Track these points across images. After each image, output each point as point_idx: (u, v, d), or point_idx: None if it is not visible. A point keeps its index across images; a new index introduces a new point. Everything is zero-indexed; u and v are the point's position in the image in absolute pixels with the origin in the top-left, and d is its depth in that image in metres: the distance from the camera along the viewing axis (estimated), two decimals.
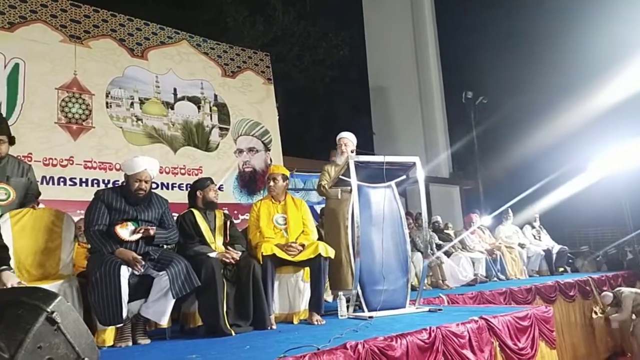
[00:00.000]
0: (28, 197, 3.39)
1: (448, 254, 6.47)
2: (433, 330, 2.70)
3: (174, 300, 2.93)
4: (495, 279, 6.71)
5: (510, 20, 15.16)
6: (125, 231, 2.93)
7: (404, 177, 4.11)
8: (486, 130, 11.89)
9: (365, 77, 16.68)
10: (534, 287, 5.75)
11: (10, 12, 6.32)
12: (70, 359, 1.42)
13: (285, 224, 3.75)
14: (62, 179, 6.24)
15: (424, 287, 4.78)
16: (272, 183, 3.85)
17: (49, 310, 1.38)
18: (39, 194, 3.56)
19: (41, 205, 4.98)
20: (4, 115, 5.94)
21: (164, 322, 2.97)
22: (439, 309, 3.70)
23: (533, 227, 8.12)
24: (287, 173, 3.99)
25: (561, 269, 7.72)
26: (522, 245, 7.68)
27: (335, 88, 15.98)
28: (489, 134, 12.20)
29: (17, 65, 6.23)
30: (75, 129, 6.54)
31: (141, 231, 2.96)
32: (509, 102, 12.84)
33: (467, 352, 2.84)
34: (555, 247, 7.86)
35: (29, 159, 5.98)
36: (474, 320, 3.04)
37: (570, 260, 8.43)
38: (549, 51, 13.45)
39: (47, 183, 6.06)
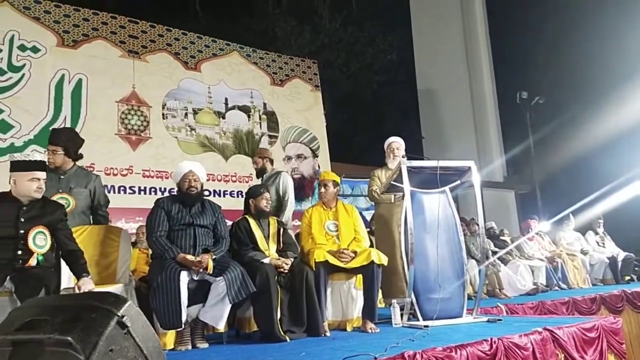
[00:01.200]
0: (97, 210, 3.51)
1: (505, 261, 6.22)
2: (495, 342, 2.60)
3: (230, 305, 2.99)
4: (556, 288, 6.38)
5: (565, 16, 14.51)
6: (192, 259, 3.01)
7: (458, 182, 4.00)
8: (543, 132, 11.40)
9: (413, 80, 16.46)
10: (598, 296, 5.43)
11: (74, 31, 6.74)
12: None
13: (337, 230, 3.74)
14: (122, 188, 6.55)
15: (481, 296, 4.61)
16: (323, 189, 3.86)
17: (119, 314, 1.44)
18: (108, 202, 3.68)
19: None
20: (70, 127, 6.34)
21: (221, 326, 3.03)
22: (499, 319, 3.56)
23: (596, 233, 7.67)
24: (338, 179, 3.99)
25: (627, 277, 7.24)
26: (584, 252, 7.28)
27: (383, 93, 15.90)
28: (546, 135, 11.70)
29: (80, 81, 6.62)
30: (134, 140, 6.85)
31: (200, 266, 3.00)
32: (567, 102, 12.27)
33: None
34: (621, 254, 7.38)
35: (92, 168, 6.32)
36: (538, 332, 2.90)
37: (636, 268, 7.88)
38: (609, 46, 12.72)
39: (109, 192, 6.36)
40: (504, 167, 14.44)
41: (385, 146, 4.60)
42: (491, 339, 2.61)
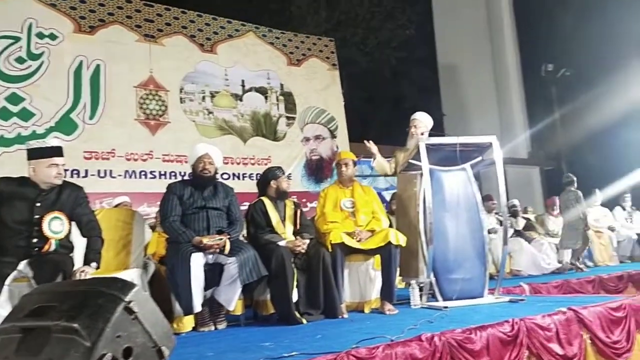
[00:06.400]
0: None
1: (529, 239, 6.09)
2: (516, 323, 2.52)
3: (241, 287, 2.99)
4: (582, 266, 6.23)
5: None
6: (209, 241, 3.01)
7: (479, 158, 3.88)
8: (570, 105, 10.98)
9: (433, 55, 16.05)
10: (626, 274, 5.28)
11: (90, 17, 6.73)
12: (148, 347, 1.47)
13: (353, 207, 3.71)
14: (143, 173, 6.61)
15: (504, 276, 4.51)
16: (343, 168, 3.83)
17: (126, 300, 1.43)
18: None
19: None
20: (89, 113, 6.42)
21: (232, 307, 3.05)
22: (521, 299, 3.48)
23: (624, 209, 7.43)
24: (355, 158, 3.96)
25: None
26: (612, 229, 7.07)
27: (402, 69, 15.52)
28: (573, 109, 11.26)
29: (98, 67, 6.63)
30: (153, 125, 6.88)
31: (217, 245, 3.01)
32: (595, 73, 11.75)
33: (555, 346, 2.64)
34: None
35: (112, 154, 6.39)
36: (562, 312, 2.81)
37: None
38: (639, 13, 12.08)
39: (130, 177, 6.46)
40: (529, 142, 14.08)
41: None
42: (512, 320, 2.54)
